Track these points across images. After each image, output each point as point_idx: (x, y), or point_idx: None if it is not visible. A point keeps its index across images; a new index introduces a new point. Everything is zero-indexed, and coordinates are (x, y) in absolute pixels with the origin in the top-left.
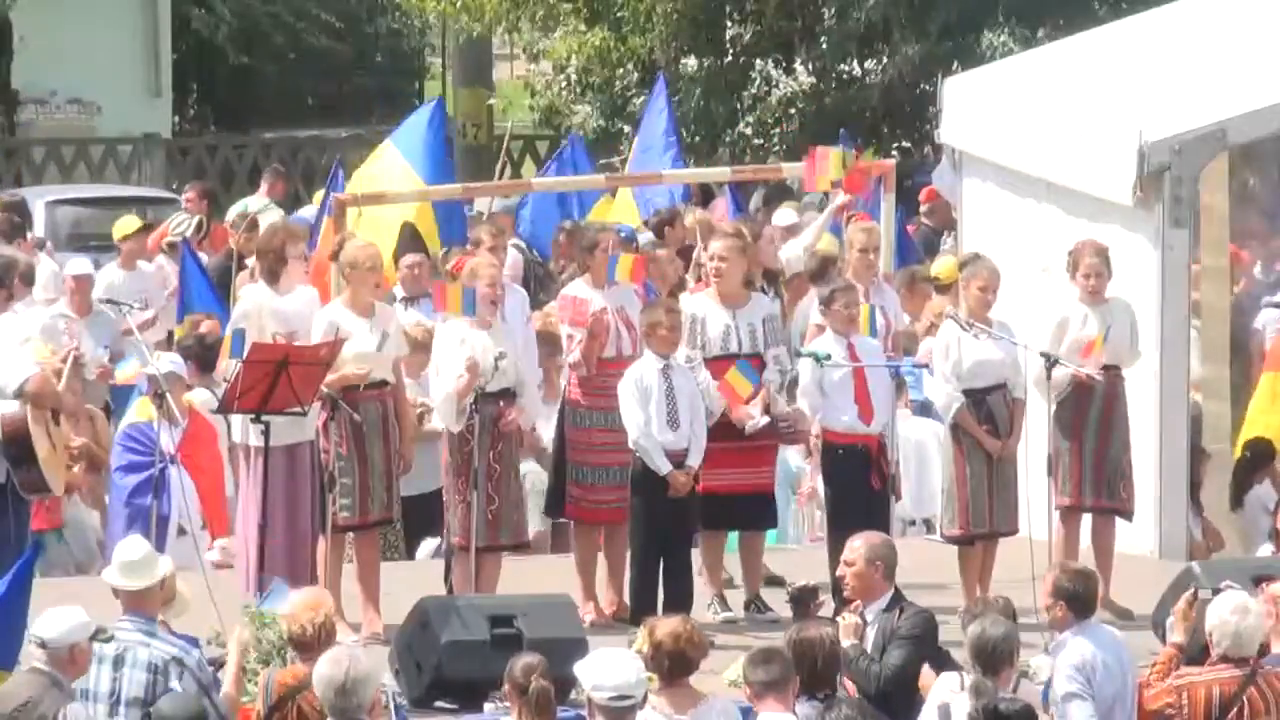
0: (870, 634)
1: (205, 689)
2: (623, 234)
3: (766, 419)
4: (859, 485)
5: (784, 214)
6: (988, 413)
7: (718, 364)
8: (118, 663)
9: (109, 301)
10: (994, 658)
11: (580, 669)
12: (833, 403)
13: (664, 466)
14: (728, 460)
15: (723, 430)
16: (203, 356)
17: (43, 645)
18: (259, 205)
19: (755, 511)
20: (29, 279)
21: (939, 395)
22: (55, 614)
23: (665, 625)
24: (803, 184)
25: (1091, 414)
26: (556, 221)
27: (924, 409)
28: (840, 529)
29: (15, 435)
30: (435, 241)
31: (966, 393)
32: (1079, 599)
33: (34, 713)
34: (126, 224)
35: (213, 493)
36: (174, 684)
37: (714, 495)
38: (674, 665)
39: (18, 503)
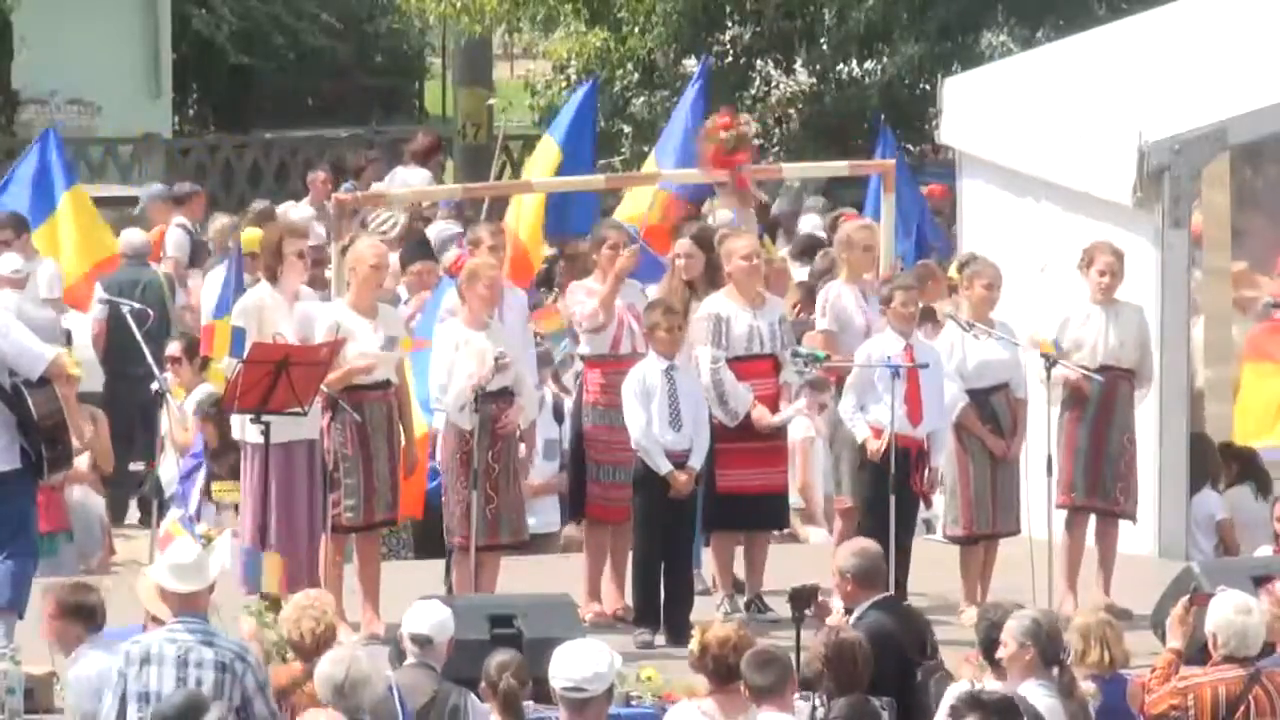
0: None
1: (262, 686)
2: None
3: (790, 416)
4: (891, 487)
5: (723, 214)
6: (991, 412)
7: (741, 364)
8: (181, 664)
9: (109, 301)
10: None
11: (553, 656)
12: (880, 401)
13: (664, 466)
14: (742, 460)
15: (737, 431)
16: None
17: (428, 643)
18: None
19: (768, 511)
20: None
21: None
22: (424, 610)
23: (717, 629)
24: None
25: (1087, 415)
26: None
27: None
28: (867, 529)
29: (50, 414)
30: (538, 234)
31: (970, 393)
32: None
33: (445, 705)
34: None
35: None
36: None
37: (727, 495)
38: (718, 670)
39: (33, 485)
